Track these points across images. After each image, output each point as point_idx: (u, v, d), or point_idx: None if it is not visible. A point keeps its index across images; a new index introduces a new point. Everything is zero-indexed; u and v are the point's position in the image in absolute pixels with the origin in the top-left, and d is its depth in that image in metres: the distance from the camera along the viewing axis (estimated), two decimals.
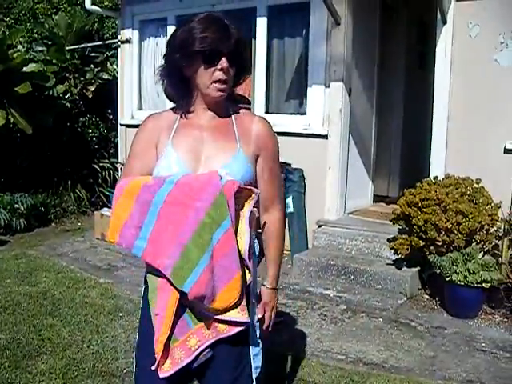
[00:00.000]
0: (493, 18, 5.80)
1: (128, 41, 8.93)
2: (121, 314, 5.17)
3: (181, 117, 2.30)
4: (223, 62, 2.15)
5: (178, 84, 2.28)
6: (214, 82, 2.18)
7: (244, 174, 2.20)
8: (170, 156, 2.19)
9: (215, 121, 2.29)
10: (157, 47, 8.71)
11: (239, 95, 8.09)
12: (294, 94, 7.50)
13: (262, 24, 7.43)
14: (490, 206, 5.41)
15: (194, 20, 2.23)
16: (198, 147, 2.22)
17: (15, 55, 8.92)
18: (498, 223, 5.45)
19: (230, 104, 2.35)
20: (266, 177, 2.37)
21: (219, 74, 2.16)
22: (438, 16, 6.00)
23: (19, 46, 9.97)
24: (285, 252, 6.95)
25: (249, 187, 2.15)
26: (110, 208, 6.72)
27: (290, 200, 6.80)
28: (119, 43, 9.16)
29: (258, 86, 7.57)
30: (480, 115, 5.91)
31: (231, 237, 2.08)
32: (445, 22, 5.99)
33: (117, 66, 9.72)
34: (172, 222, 2.08)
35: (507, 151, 5.76)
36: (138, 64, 8.98)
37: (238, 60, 2.22)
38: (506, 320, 5.14)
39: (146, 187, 2.13)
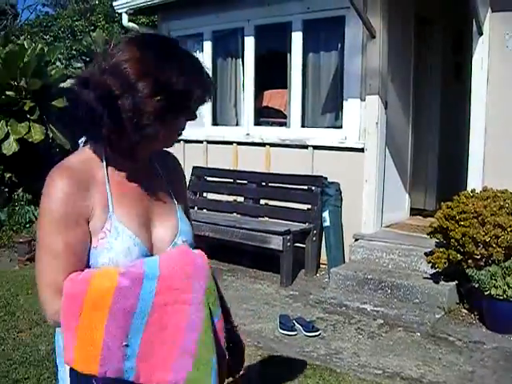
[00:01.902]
0: None
1: None
2: None
3: (107, 165, 1.72)
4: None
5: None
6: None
7: (192, 232, 1.89)
8: (124, 235, 1.67)
9: (146, 169, 1.82)
10: None
11: (275, 109, 8.13)
12: (329, 108, 7.51)
13: (297, 38, 7.46)
14: None
15: (182, 54, 1.71)
16: (145, 214, 1.76)
17: (53, 71, 9.09)
18: None
19: None
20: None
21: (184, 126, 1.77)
22: (474, 27, 5.95)
23: (58, 63, 10.15)
24: (321, 265, 7.00)
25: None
26: None
27: (326, 214, 6.80)
28: None
29: (293, 99, 7.59)
30: None
31: (222, 322, 1.75)
32: (481, 34, 5.94)
33: None
34: (167, 326, 1.62)
35: None
36: None
37: None
38: None
39: (120, 292, 1.57)
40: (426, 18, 7.82)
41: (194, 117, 1.75)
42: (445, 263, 5.53)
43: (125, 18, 9.19)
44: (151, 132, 1.64)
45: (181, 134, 1.77)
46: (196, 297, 1.63)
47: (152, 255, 1.73)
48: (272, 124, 8.11)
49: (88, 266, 1.66)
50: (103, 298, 1.56)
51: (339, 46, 7.22)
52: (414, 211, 7.95)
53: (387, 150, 7.03)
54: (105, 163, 1.71)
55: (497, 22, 5.91)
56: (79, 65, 10.70)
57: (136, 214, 1.72)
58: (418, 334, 5.13)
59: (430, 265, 5.69)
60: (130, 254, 1.66)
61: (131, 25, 9.39)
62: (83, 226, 1.63)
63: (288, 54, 7.62)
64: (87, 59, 10.65)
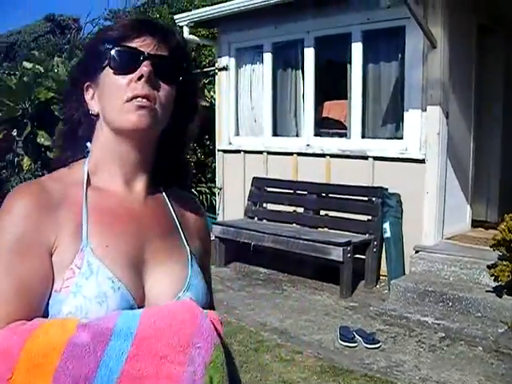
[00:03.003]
0: None
1: (225, 68, 9.13)
2: None
3: (87, 188, 1.30)
4: (145, 66, 1.26)
5: (72, 117, 1.38)
6: (130, 99, 1.26)
7: (206, 292, 1.37)
8: (100, 274, 1.19)
9: (148, 203, 1.38)
10: (253, 74, 8.86)
11: (335, 120, 8.12)
12: (390, 119, 7.48)
13: (357, 49, 7.47)
14: None
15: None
16: (138, 255, 1.28)
17: None
18: None
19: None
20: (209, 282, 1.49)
21: (138, 86, 1.26)
22: None
23: None
24: (381, 277, 6.96)
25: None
26: None
27: (387, 225, 6.77)
28: (216, 71, 9.37)
29: (353, 110, 7.58)
30: None
31: None
32: None
33: (214, 92, 9.93)
34: None
35: None
36: (235, 91, 9.15)
37: (177, 74, 1.34)
38: None
39: (73, 350, 1.05)
40: (488, 27, 7.72)
41: (117, 64, 1.29)
42: (508, 276, 5.44)
43: (186, 30, 9.33)
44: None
45: (138, 95, 1.26)
46: (192, 372, 1.09)
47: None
48: (332, 135, 8.12)
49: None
50: (46, 357, 1.04)
51: (399, 56, 7.20)
52: (476, 223, 7.83)
53: (448, 160, 6.96)
54: (85, 180, 1.30)
55: None
56: None
57: (123, 251, 1.25)
58: (481, 349, 5.06)
59: (493, 278, 5.61)
60: (105, 303, 1.17)
61: (192, 37, 9.52)
62: (42, 258, 1.19)
63: (348, 65, 7.63)
64: None
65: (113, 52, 1.27)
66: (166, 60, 1.30)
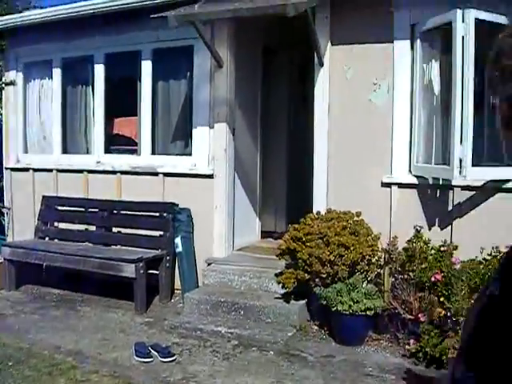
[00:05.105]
0: (364, 61, 6.13)
1: (12, 83, 8.77)
2: (10, 363, 5.04)
3: None
4: None
5: None
6: None
7: None
8: None
9: None
10: (42, 89, 8.61)
11: (126, 137, 8.08)
12: (179, 135, 7.62)
13: (146, 67, 7.54)
14: (370, 238, 5.68)
15: None
16: None
17: None
18: (378, 253, 5.72)
19: None
20: None
21: None
22: (316, 59, 6.28)
23: None
24: (176, 291, 7.04)
25: None
26: None
27: (178, 240, 6.86)
28: (3, 85, 8.99)
29: (143, 127, 7.64)
30: (358, 152, 6.18)
31: None
32: (322, 65, 6.27)
33: (1, 108, 9.51)
34: None
35: (384, 185, 6.05)
36: (23, 106, 8.82)
37: None
38: (390, 344, 5.40)
39: None
40: (274, 50, 8.13)
41: None
42: (294, 283, 5.75)
43: None
44: None
45: None
46: None
47: None
48: (123, 152, 8.10)
49: None
50: None
51: (188, 74, 7.37)
52: (265, 234, 8.18)
53: (236, 175, 7.23)
54: None
55: (336, 55, 6.26)
56: None
57: None
58: (272, 353, 5.29)
59: (280, 285, 5.90)
60: None
61: None
62: None
63: (138, 82, 7.67)
64: None
65: None
66: None
